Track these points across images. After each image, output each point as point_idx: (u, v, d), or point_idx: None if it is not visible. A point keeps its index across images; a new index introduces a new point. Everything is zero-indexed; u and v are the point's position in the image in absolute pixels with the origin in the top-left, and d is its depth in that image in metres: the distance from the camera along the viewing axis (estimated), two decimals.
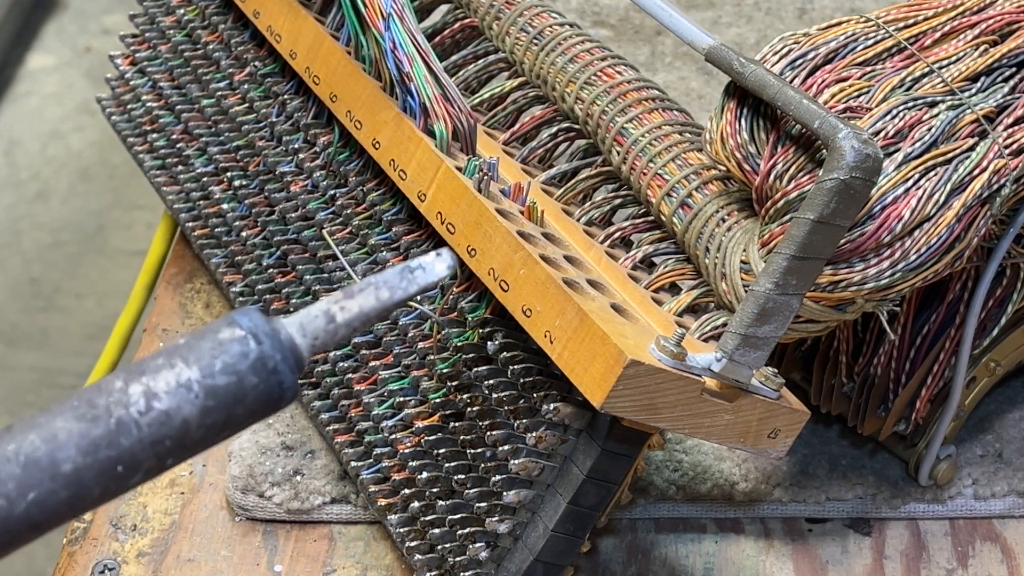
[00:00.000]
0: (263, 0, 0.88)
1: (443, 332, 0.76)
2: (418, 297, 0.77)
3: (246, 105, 0.91)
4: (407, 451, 0.77)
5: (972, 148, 0.72)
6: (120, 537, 0.83)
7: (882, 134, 0.71)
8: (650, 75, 1.09)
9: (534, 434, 0.70)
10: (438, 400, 0.76)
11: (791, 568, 0.82)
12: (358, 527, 0.84)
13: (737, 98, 0.73)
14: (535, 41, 0.84)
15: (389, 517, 0.79)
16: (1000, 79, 0.75)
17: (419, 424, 0.77)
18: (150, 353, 0.51)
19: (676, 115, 0.80)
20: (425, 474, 0.76)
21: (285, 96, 0.88)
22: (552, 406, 0.70)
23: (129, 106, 0.99)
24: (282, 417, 0.87)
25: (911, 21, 0.77)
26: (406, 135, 0.78)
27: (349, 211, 0.83)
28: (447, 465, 0.75)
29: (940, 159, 0.71)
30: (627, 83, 0.81)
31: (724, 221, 0.75)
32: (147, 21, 1.00)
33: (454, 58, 0.88)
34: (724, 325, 0.73)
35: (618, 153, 0.79)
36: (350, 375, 0.82)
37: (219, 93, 0.93)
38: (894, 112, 0.72)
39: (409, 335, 0.79)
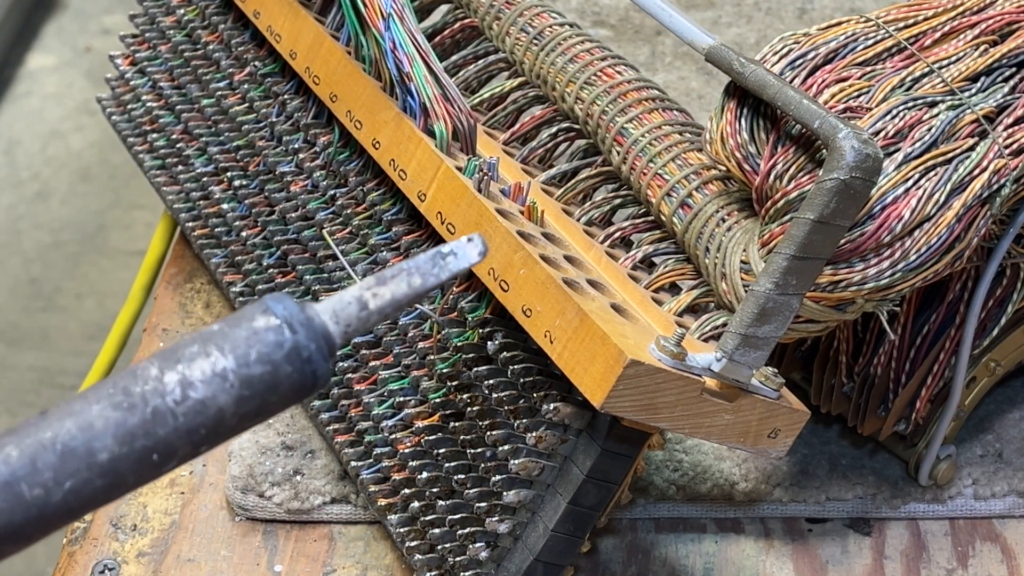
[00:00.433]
0: (263, 0, 0.88)
1: (443, 332, 0.76)
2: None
3: (246, 105, 0.91)
4: (407, 451, 0.77)
5: (972, 148, 0.72)
6: (120, 537, 0.83)
7: (882, 134, 0.71)
8: (650, 75, 1.09)
9: (534, 434, 0.70)
10: (438, 400, 0.76)
11: (791, 568, 0.82)
12: (358, 527, 0.84)
13: (737, 98, 0.73)
14: (535, 41, 0.84)
15: (389, 517, 0.79)
16: (1000, 79, 0.75)
17: (419, 424, 0.77)
18: (183, 340, 0.51)
19: (676, 115, 0.80)
20: (425, 474, 0.76)
21: (285, 96, 0.89)
22: (552, 406, 0.70)
23: (129, 106, 0.99)
24: (282, 417, 0.87)
25: (911, 21, 0.77)
26: (406, 135, 0.78)
27: (349, 211, 0.83)
28: (447, 465, 0.75)
29: (940, 159, 0.71)
30: (627, 83, 0.81)
31: (724, 221, 0.75)
32: (147, 21, 1.00)
33: (454, 58, 0.89)
34: (724, 325, 0.73)
35: (618, 153, 0.79)
36: (350, 375, 0.82)
37: (219, 93, 0.93)
38: (894, 112, 0.72)
39: (409, 335, 0.79)
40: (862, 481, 0.85)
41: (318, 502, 0.84)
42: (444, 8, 0.91)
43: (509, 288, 0.71)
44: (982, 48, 0.76)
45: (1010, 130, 0.74)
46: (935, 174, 0.71)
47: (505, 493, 0.72)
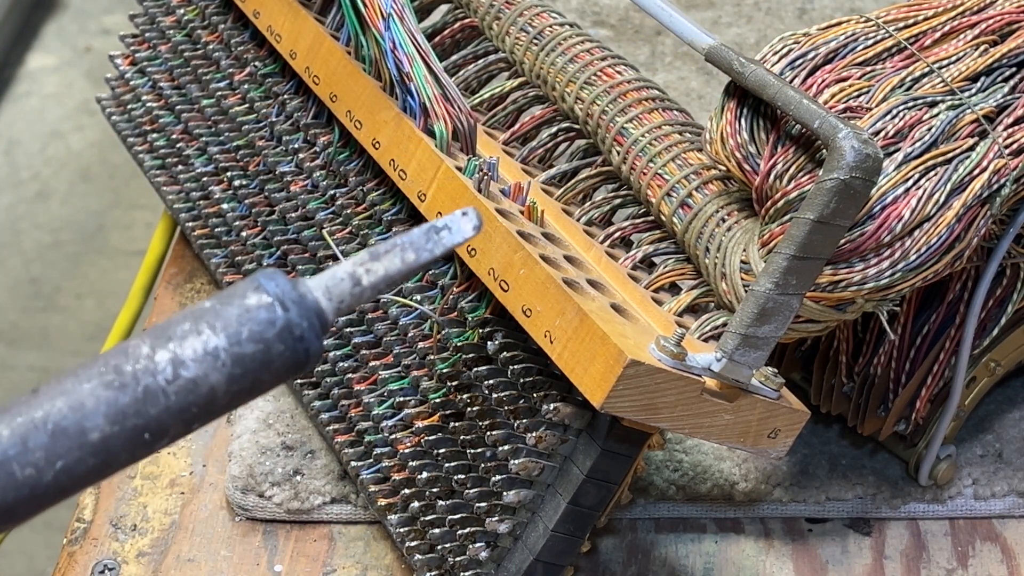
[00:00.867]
0: (263, 0, 0.88)
1: (443, 332, 0.76)
2: (418, 297, 0.77)
3: (246, 105, 0.91)
4: (407, 451, 0.77)
5: (972, 148, 0.72)
6: (120, 537, 0.83)
7: (882, 134, 0.71)
8: (650, 75, 1.09)
9: (534, 434, 0.70)
10: (438, 400, 0.76)
11: (791, 568, 0.82)
12: (358, 527, 0.84)
13: (737, 98, 0.73)
14: (535, 41, 0.84)
15: (389, 517, 0.79)
16: (1000, 79, 0.75)
17: (419, 424, 0.77)
18: (174, 315, 0.51)
19: (676, 115, 0.80)
20: (425, 474, 0.76)
21: (285, 96, 0.89)
22: (552, 406, 0.70)
23: (129, 106, 0.99)
24: (282, 417, 0.87)
25: (911, 21, 0.77)
26: (406, 135, 0.78)
27: (349, 211, 0.83)
28: (447, 465, 0.75)
29: (940, 159, 0.71)
30: (627, 83, 0.81)
31: (724, 221, 0.75)
32: (147, 21, 1.00)
33: (454, 58, 0.89)
34: (724, 325, 0.73)
35: (618, 153, 0.79)
36: (350, 375, 0.82)
37: (219, 93, 0.93)
38: (894, 112, 0.72)
39: (409, 335, 0.79)
40: (862, 481, 0.85)
41: (318, 502, 0.84)
42: (444, 8, 0.91)
43: (509, 288, 0.71)
44: (982, 48, 0.76)
45: (1010, 130, 0.74)
46: (935, 174, 0.71)
47: (505, 493, 0.72)
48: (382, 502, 0.79)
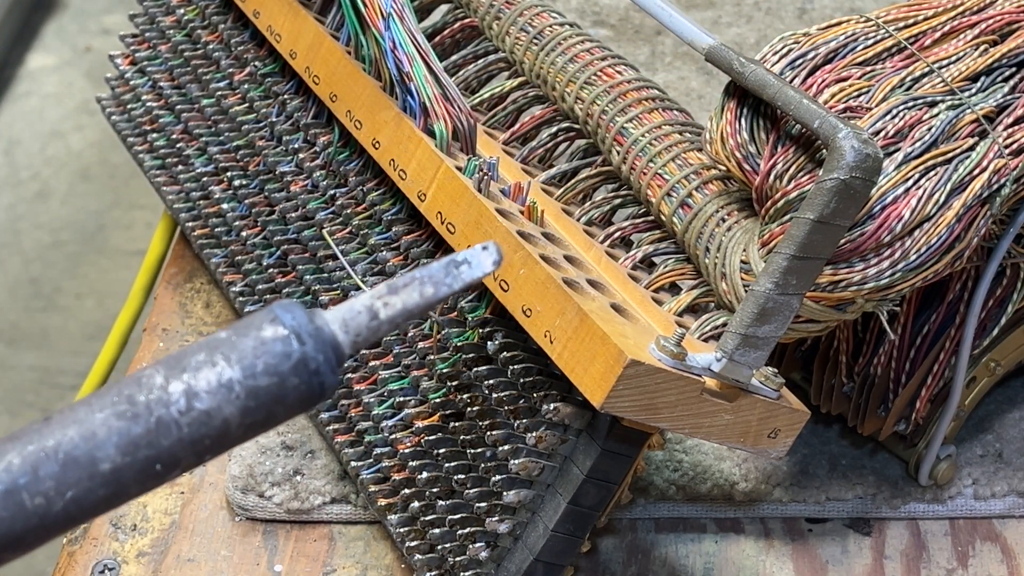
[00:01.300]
0: (263, 0, 0.88)
1: (443, 332, 0.76)
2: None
3: (246, 105, 0.91)
4: (407, 451, 0.77)
5: (972, 148, 0.72)
6: (120, 537, 0.83)
7: (882, 134, 0.71)
8: (650, 75, 1.09)
9: (534, 434, 0.70)
10: (438, 400, 0.76)
11: (791, 568, 0.82)
12: (358, 527, 0.84)
13: (737, 98, 0.73)
14: (535, 41, 0.84)
15: (389, 517, 0.79)
16: (1000, 79, 0.75)
17: (419, 424, 0.77)
18: (188, 346, 0.50)
19: (676, 115, 0.80)
20: (425, 474, 0.76)
21: (285, 96, 0.88)
22: (552, 406, 0.70)
23: (129, 106, 0.99)
24: None
25: (911, 21, 0.77)
26: (406, 135, 0.78)
27: (349, 211, 0.83)
28: (447, 465, 0.75)
29: (940, 159, 0.71)
30: (627, 83, 0.81)
31: (724, 221, 0.75)
32: (147, 21, 1.00)
33: (454, 58, 0.88)
34: (724, 325, 0.73)
35: (618, 153, 0.79)
36: (350, 375, 0.82)
37: (219, 93, 0.93)
38: (894, 112, 0.72)
39: (409, 335, 0.79)
40: (862, 481, 0.85)
41: (318, 502, 0.84)
42: (444, 8, 0.91)
43: (509, 288, 0.71)
44: (982, 48, 0.76)
45: (1010, 130, 0.74)
46: (935, 174, 0.71)
47: (505, 493, 0.72)
48: (382, 502, 0.79)
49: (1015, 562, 0.82)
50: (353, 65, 0.82)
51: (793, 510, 0.84)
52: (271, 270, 0.88)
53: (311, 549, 0.83)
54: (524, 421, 0.71)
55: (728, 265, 0.73)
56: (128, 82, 1.00)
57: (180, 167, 0.95)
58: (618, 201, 0.81)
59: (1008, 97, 0.75)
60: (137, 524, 0.84)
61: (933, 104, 0.73)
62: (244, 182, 0.90)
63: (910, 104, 0.73)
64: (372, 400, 0.80)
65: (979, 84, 0.75)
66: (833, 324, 0.74)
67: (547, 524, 0.72)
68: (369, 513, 0.83)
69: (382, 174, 0.82)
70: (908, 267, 0.71)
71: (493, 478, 0.73)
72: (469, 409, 0.75)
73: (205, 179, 0.93)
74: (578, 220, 0.81)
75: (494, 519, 0.73)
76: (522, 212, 0.75)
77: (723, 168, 0.75)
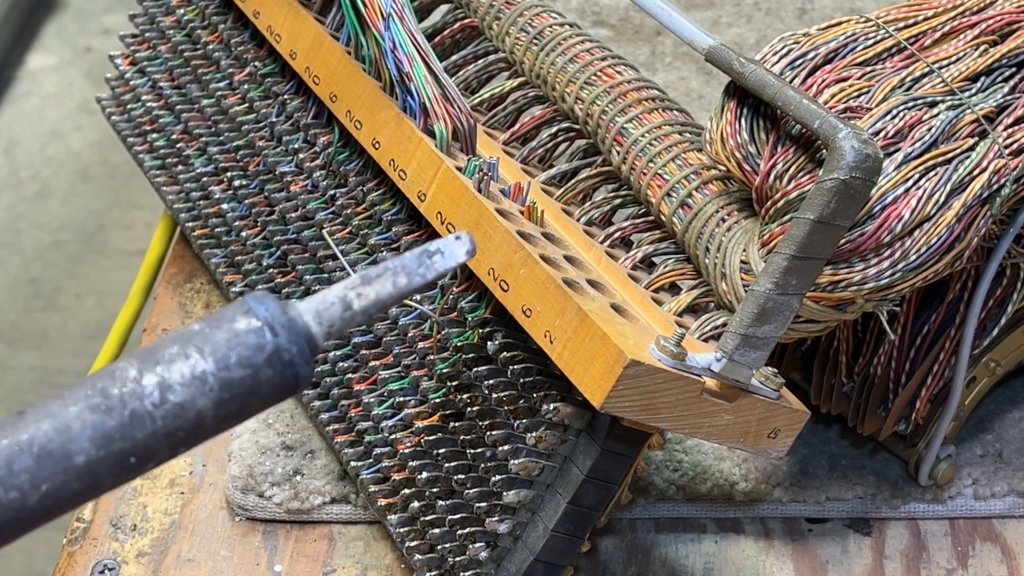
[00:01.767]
0: (263, 0, 0.88)
1: (443, 332, 0.76)
2: (418, 297, 0.77)
3: (246, 105, 0.91)
4: (407, 451, 0.77)
5: (972, 148, 0.72)
6: (120, 537, 0.83)
7: (882, 134, 0.71)
8: (650, 75, 1.09)
9: (534, 434, 0.70)
10: (438, 400, 0.76)
11: (791, 568, 0.82)
12: (358, 527, 0.84)
13: (737, 98, 0.73)
14: (535, 41, 0.84)
15: (389, 517, 0.79)
16: (1000, 79, 0.75)
17: (419, 424, 0.77)
18: (162, 338, 0.50)
19: (676, 115, 0.80)
20: (425, 474, 0.76)
21: (285, 96, 0.89)
22: (552, 406, 0.70)
23: (129, 106, 0.99)
24: (282, 417, 0.87)
25: (911, 21, 0.77)
26: (406, 135, 0.78)
27: (349, 211, 0.83)
28: (447, 465, 0.75)
29: (940, 159, 0.71)
30: (627, 83, 0.81)
31: (724, 221, 0.75)
32: (147, 21, 1.00)
33: (454, 58, 0.89)
34: (724, 325, 0.73)
35: (618, 153, 0.79)
36: (350, 375, 0.82)
37: (219, 93, 0.93)
38: (894, 112, 0.72)
39: (409, 335, 0.79)
40: (862, 481, 0.85)
41: (318, 502, 0.84)
42: (444, 8, 0.91)
43: (509, 288, 0.71)
44: (982, 48, 0.76)
45: (1010, 130, 0.74)
46: (935, 174, 0.71)
47: (505, 493, 0.72)
48: (382, 502, 0.79)
49: (1015, 562, 0.82)
50: (353, 65, 0.82)
51: (793, 510, 0.84)
52: (271, 270, 0.88)
53: (311, 549, 0.83)
54: (524, 421, 0.71)
55: (728, 265, 0.73)
56: (128, 82, 1.00)
57: (180, 167, 0.95)
58: (618, 201, 0.81)
59: (1008, 97, 0.75)
60: (137, 524, 0.84)
61: (933, 104, 0.73)
62: (244, 182, 0.90)
63: (910, 104, 0.73)
64: (372, 400, 0.80)
65: (979, 84, 0.75)
66: (833, 324, 0.74)
67: (547, 524, 0.72)
68: (369, 513, 0.83)
69: (382, 174, 0.82)
70: (908, 267, 0.71)
71: (493, 478, 0.73)
72: (469, 409, 0.75)
73: (205, 179, 0.93)
74: (578, 220, 0.81)
75: (494, 519, 0.73)
76: (522, 212, 0.75)
77: (723, 168, 0.75)
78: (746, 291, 0.70)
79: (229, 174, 0.91)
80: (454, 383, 0.75)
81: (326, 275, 0.84)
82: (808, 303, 0.71)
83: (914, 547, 0.83)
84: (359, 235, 0.82)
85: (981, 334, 0.82)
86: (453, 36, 0.89)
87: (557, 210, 0.81)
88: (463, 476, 0.74)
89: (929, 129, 0.72)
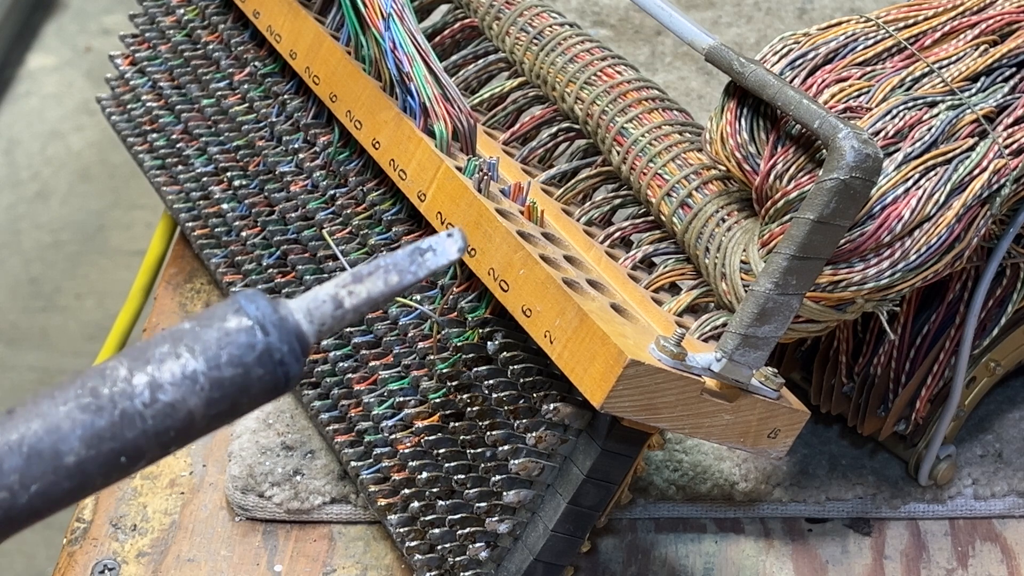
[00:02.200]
0: (263, 0, 0.88)
1: (443, 332, 0.76)
2: (418, 297, 0.77)
3: (246, 105, 0.91)
4: (407, 451, 0.77)
5: (972, 148, 0.72)
6: (120, 537, 0.83)
7: (882, 134, 0.71)
8: (650, 75, 1.09)
9: (534, 434, 0.70)
10: (438, 400, 0.76)
11: (791, 568, 0.82)
12: (358, 527, 0.84)
13: (737, 98, 0.73)
14: (535, 41, 0.84)
15: (389, 517, 0.79)
16: (1000, 79, 0.75)
17: (419, 424, 0.77)
18: (152, 336, 0.50)
19: (676, 115, 0.80)
20: (425, 474, 0.76)
21: (285, 96, 0.89)
22: (552, 406, 0.70)
23: (129, 106, 0.99)
24: (282, 417, 0.87)
25: (911, 21, 0.77)
26: (406, 135, 0.78)
27: (349, 211, 0.83)
28: (447, 465, 0.75)
29: (940, 159, 0.71)
30: (627, 83, 0.81)
31: (724, 221, 0.75)
32: (147, 21, 1.00)
33: (454, 58, 0.89)
34: (724, 325, 0.73)
35: (618, 153, 0.79)
36: (350, 375, 0.82)
37: (219, 93, 0.93)
38: (894, 112, 0.72)
39: (409, 335, 0.79)
40: (862, 481, 0.85)
41: (318, 502, 0.84)
42: (444, 8, 0.91)
43: (509, 288, 0.71)
44: (982, 48, 0.76)
45: (1010, 130, 0.74)
46: (935, 174, 0.71)
47: (505, 493, 0.72)
48: (382, 502, 0.79)
49: (1015, 562, 0.82)
50: (353, 65, 0.82)
51: (793, 510, 0.84)
52: (271, 270, 0.88)
53: (311, 549, 0.83)
54: (524, 421, 0.71)
55: (728, 265, 0.73)
56: (128, 82, 1.00)
57: (180, 167, 0.95)
58: (618, 201, 0.81)
59: (1008, 97, 0.75)
60: (137, 524, 0.84)
61: (933, 104, 0.73)
62: (244, 182, 0.90)
63: (910, 104, 0.73)
64: (372, 400, 0.80)
65: (979, 84, 0.75)
66: (833, 324, 0.74)
67: (547, 524, 0.72)
68: (369, 513, 0.83)
69: (382, 174, 0.82)
70: (908, 267, 0.71)
71: (493, 478, 0.73)
72: (469, 409, 0.75)
73: (205, 179, 0.93)
74: (578, 220, 0.81)
75: (494, 519, 0.73)
76: (522, 212, 0.75)
77: (723, 168, 0.75)
78: (746, 291, 0.70)
79: (229, 174, 0.91)
80: (454, 383, 0.75)
81: (326, 275, 0.84)
82: (808, 303, 0.71)
83: (914, 547, 0.83)
84: (359, 235, 0.82)
85: (981, 334, 0.82)
86: (453, 36, 0.89)
87: (557, 210, 0.81)
88: (463, 476, 0.75)
89: (929, 129, 0.72)
